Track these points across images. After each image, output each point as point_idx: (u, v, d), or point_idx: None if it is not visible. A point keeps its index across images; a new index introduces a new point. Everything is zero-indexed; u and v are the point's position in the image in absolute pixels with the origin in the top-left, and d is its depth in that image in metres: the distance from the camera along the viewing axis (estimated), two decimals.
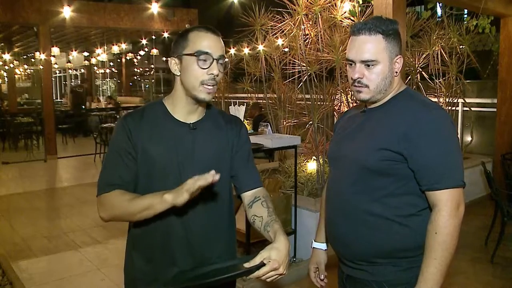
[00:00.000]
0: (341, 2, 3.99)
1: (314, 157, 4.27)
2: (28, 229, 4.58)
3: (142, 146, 1.37)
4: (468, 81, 5.71)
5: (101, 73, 19.69)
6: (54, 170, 8.00)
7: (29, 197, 5.90)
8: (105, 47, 13.38)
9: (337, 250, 1.53)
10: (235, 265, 1.32)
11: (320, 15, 3.99)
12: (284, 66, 4.60)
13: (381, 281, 1.41)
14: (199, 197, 1.37)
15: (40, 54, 8.71)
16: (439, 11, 6.24)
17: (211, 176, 1.18)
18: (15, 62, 14.69)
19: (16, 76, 15.63)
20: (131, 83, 18.85)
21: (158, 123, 1.40)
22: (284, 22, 4.24)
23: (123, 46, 13.24)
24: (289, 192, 3.69)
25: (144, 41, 12.94)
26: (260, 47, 4.88)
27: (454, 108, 5.21)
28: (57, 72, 20.80)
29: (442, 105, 4.78)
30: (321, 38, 4.00)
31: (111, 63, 18.80)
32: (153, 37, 12.15)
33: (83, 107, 12.47)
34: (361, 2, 4.08)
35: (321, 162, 4.06)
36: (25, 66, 17.64)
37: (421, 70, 4.66)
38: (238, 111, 3.40)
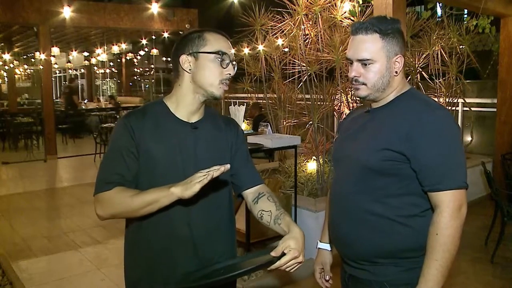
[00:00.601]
0: (341, 2, 3.99)
1: (314, 157, 4.27)
2: (28, 229, 4.58)
3: (145, 145, 1.37)
4: (468, 81, 5.70)
5: (101, 73, 19.68)
6: (54, 170, 8.00)
7: (29, 197, 5.90)
8: (105, 47, 13.38)
9: (340, 250, 1.54)
10: (239, 262, 1.34)
11: (320, 15, 3.99)
12: (284, 66, 4.60)
13: (382, 281, 1.41)
14: (201, 197, 1.38)
15: (40, 54, 8.71)
16: (439, 11, 6.24)
17: (223, 167, 1.20)
18: (15, 62, 14.69)
19: (16, 76, 15.62)
20: (131, 83, 18.86)
21: (160, 122, 1.41)
22: (284, 22, 4.24)
23: (123, 46, 13.24)
24: (289, 192, 3.69)
25: (144, 41, 12.94)
26: (260, 47, 4.88)
27: (454, 108, 5.21)
28: (57, 72, 20.80)
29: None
30: (321, 38, 4.00)
31: (111, 63, 18.79)
32: (153, 37, 12.15)
33: (69, 107, 12.16)
34: (361, 2, 4.08)
35: (321, 162, 4.06)
36: (25, 66, 17.65)
37: (421, 70, 4.66)
38: (238, 111, 3.39)
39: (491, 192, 3.87)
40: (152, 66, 18.48)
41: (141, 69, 20.34)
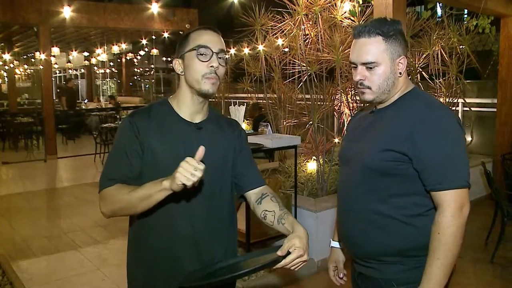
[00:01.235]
0: (341, 2, 3.99)
1: (314, 157, 4.27)
2: (28, 229, 4.57)
3: (149, 145, 1.38)
4: (468, 81, 5.71)
5: (101, 73, 19.69)
6: (54, 170, 8.00)
7: (29, 197, 5.89)
8: (105, 47, 13.38)
9: (348, 248, 1.56)
10: (244, 261, 1.35)
11: (320, 15, 3.99)
12: (284, 66, 4.60)
13: (389, 279, 1.43)
14: (204, 197, 1.39)
15: (40, 54, 8.71)
16: (439, 11, 6.24)
17: (202, 149, 1.19)
18: (15, 62, 14.69)
19: (16, 76, 15.62)
20: (131, 83, 18.86)
21: (165, 122, 1.42)
22: (284, 22, 4.24)
23: (123, 46, 13.24)
24: (289, 192, 3.69)
25: (144, 41, 12.95)
26: (260, 47, 4.88)
27: (454, 108, 5.22)
28: (57, 72, 20.80)
29: None
30: (321, 38, 4.00)
31: (111, 63, 18.81)
32: (153, 37, 12.16)
33: (61, 108, 12.11)
34: (361, 2, 4.08)
35: (321, 162, 4.06)
36: (25, 66, 17.66)
37: (421, 70, 4.66)
38: (238, 111, 3.39)
39: (491, 192, 3.87)
40: (152, 66, 18.51)
41: (141, 69, 20.37)
